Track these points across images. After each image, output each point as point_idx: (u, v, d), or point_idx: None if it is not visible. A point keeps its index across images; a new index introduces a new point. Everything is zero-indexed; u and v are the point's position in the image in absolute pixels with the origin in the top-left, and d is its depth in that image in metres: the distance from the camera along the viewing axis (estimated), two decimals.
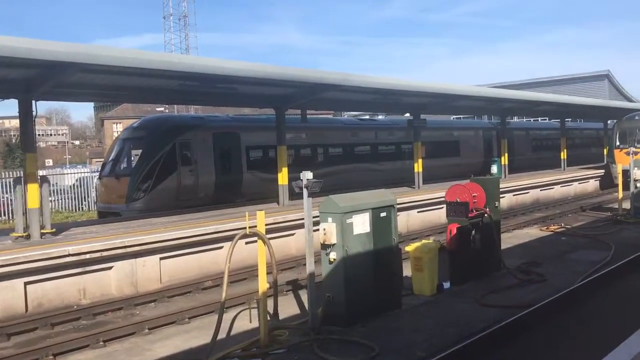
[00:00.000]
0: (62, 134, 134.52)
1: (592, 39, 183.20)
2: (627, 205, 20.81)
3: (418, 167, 23.83)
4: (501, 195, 24.73)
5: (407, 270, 11.37)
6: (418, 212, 20.29)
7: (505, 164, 28.75)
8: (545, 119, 46.50)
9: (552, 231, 18.29)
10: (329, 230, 9.09)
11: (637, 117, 31.57)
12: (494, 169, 28.43)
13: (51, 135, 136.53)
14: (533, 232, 18.37)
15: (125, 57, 10.83)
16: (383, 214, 9.91)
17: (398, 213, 19.44)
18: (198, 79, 14.03)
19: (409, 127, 23.82)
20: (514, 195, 25.24)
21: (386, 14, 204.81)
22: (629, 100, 63.47)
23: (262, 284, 8.32)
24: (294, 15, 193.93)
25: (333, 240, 9.09)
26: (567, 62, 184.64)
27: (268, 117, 22.18)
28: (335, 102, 19.10)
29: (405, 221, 19.78)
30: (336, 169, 24.08)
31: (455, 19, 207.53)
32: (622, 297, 10.54)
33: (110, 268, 11.95)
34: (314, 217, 9.26)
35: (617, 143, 31.60)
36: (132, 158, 18.41)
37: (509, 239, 17.20)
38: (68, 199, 31.39)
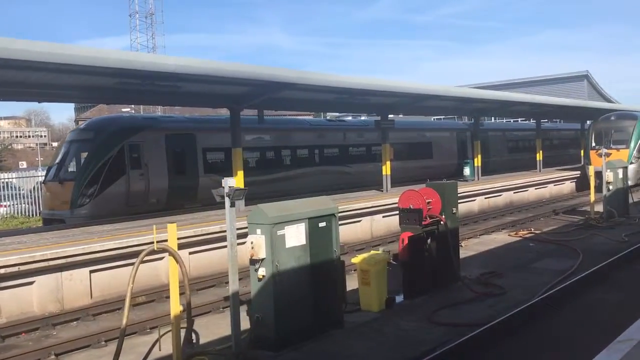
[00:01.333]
0: (41, 136, 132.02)
1: (573, 41, 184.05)
2: (600, 208, 20.14)
3: (386, 169, 22.99)
4: (472, 199, 24.23)
5: (356, 284, 10.47)
6: (383, 217, 19.38)
7: (478, 166, 28.00)
8: (525, 120, 45.98)
9: (520, 237, 17.49)
10: (257, 243, 8.14)
11: (612, 118, 31.03)
12: (467, 171, 27.66)
13: (29, 137, 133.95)
14: (501, 238, 17.55)
15: (39, 51, 9.77)
16: (322, 224, 8.96)
17: (361, 219, 18.76)
18: (136, 76, 13.01)
19: (377, 128, 22.94)
20: (485, 198, 24.48)
21: (371, 15, 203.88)
22: (608, 101, 63.37)
23: (175, 306, 7.33)
24: (279, 16, 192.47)
25: (261, 254, 8.14)
26: (550, 64, 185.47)
27: (228, 117, 21.19)
28: (295, 101, 18.19)
29: (370, 226, 18.88)
30: (302, 172, 23.19)
31: (440, 20, 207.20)
32: (584, 313, 9.70)
33: (31, 283, 10.89)
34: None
35: (593, 144, 31.03)
36: (78, 161, 17.30)
37: (475, 246, 16.40)
38: (27, 203, 30.06)
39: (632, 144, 29.88)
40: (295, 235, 8.50)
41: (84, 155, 17.26)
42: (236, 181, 17.01)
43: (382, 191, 22.76)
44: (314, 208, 8.93)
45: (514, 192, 26.45)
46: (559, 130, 44.41)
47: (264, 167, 21.74)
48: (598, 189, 20.29)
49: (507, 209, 24.59)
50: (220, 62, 14.58)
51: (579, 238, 16.62)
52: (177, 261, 7.30)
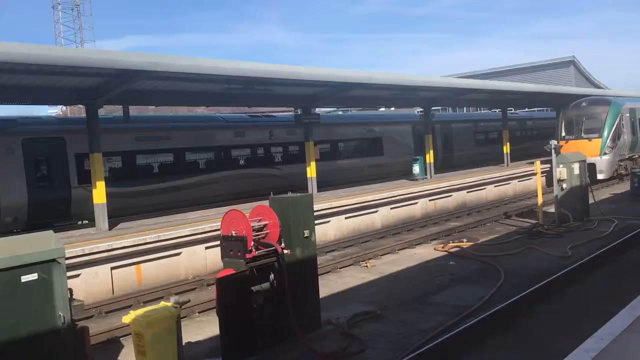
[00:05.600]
0: None
1: (569, 29, 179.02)
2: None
3: (311, 171, 19.88)
4: (413, 202, 21.05)
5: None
6: None
7: (430, 163, 24.80)
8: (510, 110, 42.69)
9: (446, 251, 14.35)
10: None
11: (584, 104, 27.84)
12: (416, 169, 24.37)
13: None
14: (423, 253, 14.40)
15: None
16: (28, 278, 5.84)
17: None
18: None
19: (298, 123, 19.82)
20: (430, 200, 21.27)
21: (368, 9, 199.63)
22: (597, 87, 60.12)
23: None
24: (276, 13, 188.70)
25: None
26: (546, 52, 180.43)
27: (115, 116, 18.13)
28: (168, 94, 15.00)
29: None
30: (217, 177, 20.07)
31: (437, 12, 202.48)
32: None
33: None
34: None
35: (563, 134, 27.88)
36: None
37: (384, 266, 13.28)
38: None
39: (605, 133, 26.73)
40: None
41: None
42: (96, 194, 13.99)
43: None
44: (8, 254, 5.79)
45: (467, 192, 23.24)
46: (536, 120, 41.09)
47: (167, 174, 18.64)
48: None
49: (456, 212, 21.39)
50: (46, 46, 11.52)
51: (514, 252, 13.49)
52: None
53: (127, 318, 7.01)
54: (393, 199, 19.60)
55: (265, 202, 8.92)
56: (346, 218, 17.98)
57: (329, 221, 17.38)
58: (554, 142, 16.46)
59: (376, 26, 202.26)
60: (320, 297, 10.08)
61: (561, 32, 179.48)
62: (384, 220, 19.18)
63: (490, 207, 22.39)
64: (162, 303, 7.39)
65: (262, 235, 8.33)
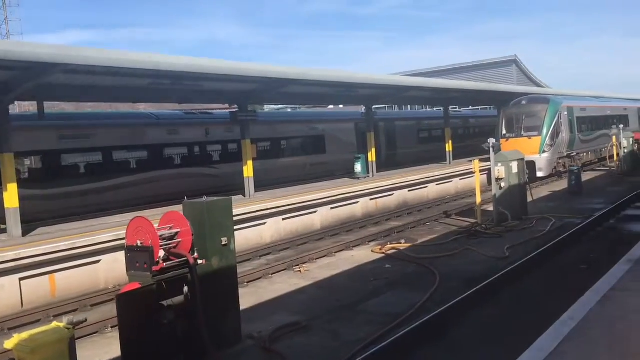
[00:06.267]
0: None
1: (519, 29, 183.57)
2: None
3: (248, 170, 19.08)
4: (354, 201, 20.60)
5: None
6: None
7: (372, 161, 24.42)
8: (456, 108, 42.88)
9: (384, 253, 13.89)
10: None
11: (523, 102, 28.04)
12: (358, 167, 23.98)
13: None
14: (359, 256, 13.89)
15: None
16: None
17: None
18: None
19: (233, 120, 19.00)
20: (371, 199, 20.84)
21: (317, 7, 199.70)
22: (538, 85, 61.54)
23: None
24: (227, 10, 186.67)
25: None
26: (491, 52, 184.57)
27: (31, 113, 16.89)
28: (88, 89, 13.88)
29: None
30: (149, 177, 19.01)
31: (384, 12, 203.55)
32: None
33: None
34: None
35: (504, 132, 28.00)
36: None
37: (319, 270, 12.69)
38: None
39: (544, 131, 26.94)
40: None
41: None
42: (7, 197, 12.85)
43: (246, 197, 18.88)
44: None
45: (409, 190, 22.95)
46: (478, 118, 41.46)
47: (85, 175, 17.48)
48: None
49: (398, 211, 21.02)
50: None
51: (451, 253, 13.15)
52: None
53: (10, 343, 6.12)
54: (333, 198, 19.07)
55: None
56: (284, 219, 17.30)
57: (265, 223, 16.68)
58: (492, 141, 16.25)
59: (325, 24, 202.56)
60: (247, 307, 9.52)
61: (504, 32, 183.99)
62: (324, 221, 18.62)
63: (432, 206, 22.16)
64: (54, 324, 6.53)
65: (174, 245, 7.58)
